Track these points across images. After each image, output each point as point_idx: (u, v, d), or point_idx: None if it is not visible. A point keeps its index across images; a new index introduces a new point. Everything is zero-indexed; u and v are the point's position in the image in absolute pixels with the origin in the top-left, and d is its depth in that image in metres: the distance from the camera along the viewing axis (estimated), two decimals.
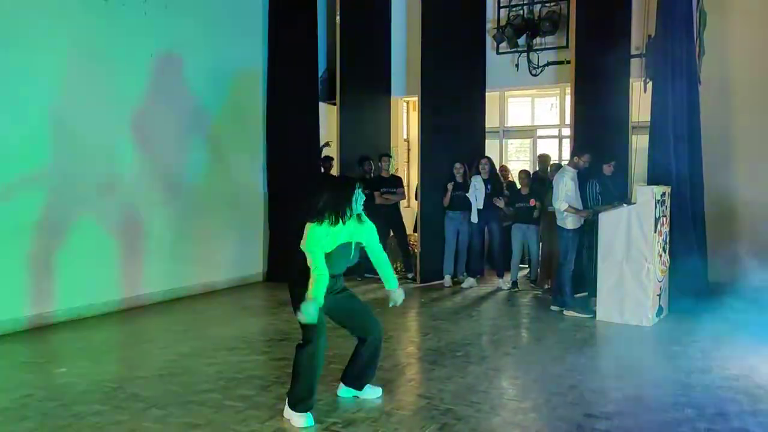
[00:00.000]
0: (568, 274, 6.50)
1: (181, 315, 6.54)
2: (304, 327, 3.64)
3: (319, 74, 8.98)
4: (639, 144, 8.41)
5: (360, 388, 4.05)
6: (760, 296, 6.03)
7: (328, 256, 3.61)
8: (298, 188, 8.43)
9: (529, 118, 10.75)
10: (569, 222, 6.47)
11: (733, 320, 5.83)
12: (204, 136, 7.51)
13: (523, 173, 8.11)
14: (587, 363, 4.91)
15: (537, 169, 8.76)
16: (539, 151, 9.93)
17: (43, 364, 4.78)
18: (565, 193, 6.42)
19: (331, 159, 9.05)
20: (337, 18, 8.44)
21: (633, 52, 8.20)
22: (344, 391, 4.09)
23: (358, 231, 3.77)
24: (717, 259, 7.00)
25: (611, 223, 6.15)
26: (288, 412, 3.68)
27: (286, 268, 8.40)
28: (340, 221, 3.62)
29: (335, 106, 8.76)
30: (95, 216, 6.29)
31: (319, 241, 3.57)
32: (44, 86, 5.84)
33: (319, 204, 3.61)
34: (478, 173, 7.94)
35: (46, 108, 5.87)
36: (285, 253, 8.42)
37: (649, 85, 7.47)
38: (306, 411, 3.64)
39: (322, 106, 9.11)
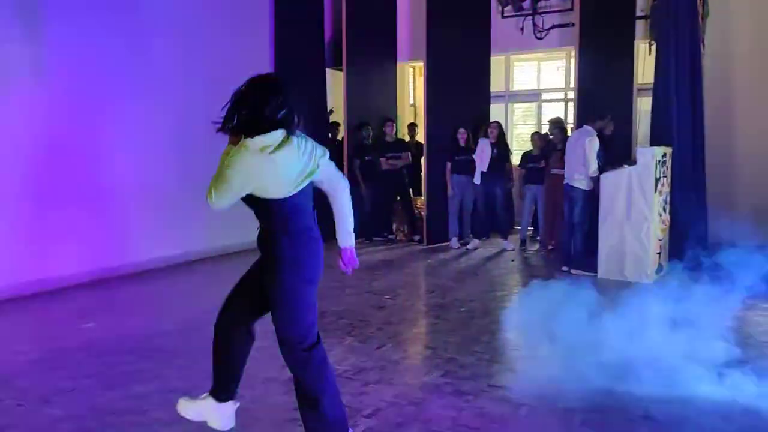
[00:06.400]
0: (584, 234, 6.64)
1: (198, 276, 6.82)
2: None
3: (326, 40, 9.08)
4: (644, 106, 8.52)
5: None
6: (757, 256, 6.19)
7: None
8: None
9: (535, 81, 10.81)
10: (585, 183, 6.59)
11: (726, 279, 6.02)
12: (211, 102, 7.63)
13: (536, 135, 8.26)
14: (581, 317, 5.13)
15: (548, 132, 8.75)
16: (545, 115, 10.04)
17: (73, 320, 5.06)
18: (595, 157, 6.47)
19: (338, 125, 9.21)
20: None
21: (638, 13, 8.24)
22: None
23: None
24: (718, 219, 7.15)
25: (612, 183, 6.32)
26: None
27: None
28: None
29: (341, 72, 8.88)
30: (109, 180, 6.52)
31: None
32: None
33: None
34: (486, 137, 8.08)
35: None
36: None
37: (654, 46, 7.54)
38: None
39: (328, 72, 9.22)
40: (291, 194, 2.61)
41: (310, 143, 2.74)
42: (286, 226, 2.64)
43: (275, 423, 3.20)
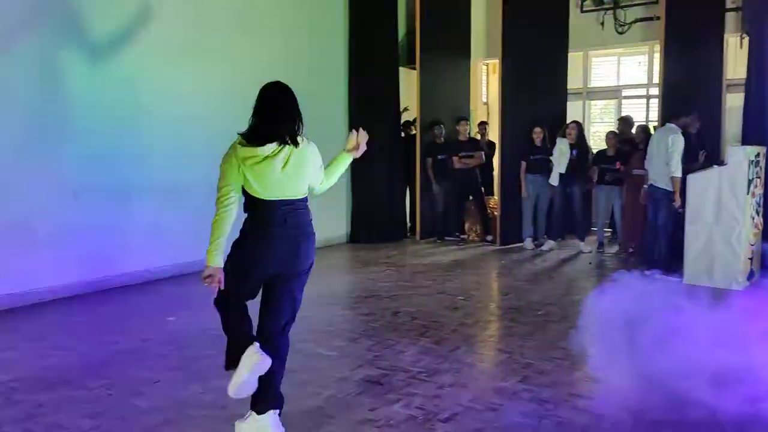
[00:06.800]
0: (669, 236, 6.33)
1: None
2: None
3: (399, 38, 9.06)
4: (733, 102, 8.06)
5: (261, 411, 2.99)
6: None
7: None
8: (379, 152, 8.67)
9: (615, 78, 10.41)
10: (670, 183, 6.21)
11: None
12: None
13: (611, 134, 7.96)
14: (666, 324, 4.90)
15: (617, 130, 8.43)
16: (625, 112, 9.65)
17: (156, 313, 5.26)
18: (679, 156, 6.09)
19: (411, 123, 9.19)
20: None
21: (728, 5, 7.80)
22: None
23: None
24: None
25: (700, 184, 5.99)
26: None
27: (368, 230, 8.85)
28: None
29: (413, 71, 8.84)
30: (200, 178, 6.73)
31: None
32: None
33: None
34: (564, 137, 7.85)
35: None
36: (367, 216, 8.77)
37: (746, 40, 7.12)
38: None
39: (401, 71, 9.20)
40: (263, 198, 2.81)
41: (311, 158, 2.92)
42: (251, 215, 2.88)
43: (349, 423, 3.20)
